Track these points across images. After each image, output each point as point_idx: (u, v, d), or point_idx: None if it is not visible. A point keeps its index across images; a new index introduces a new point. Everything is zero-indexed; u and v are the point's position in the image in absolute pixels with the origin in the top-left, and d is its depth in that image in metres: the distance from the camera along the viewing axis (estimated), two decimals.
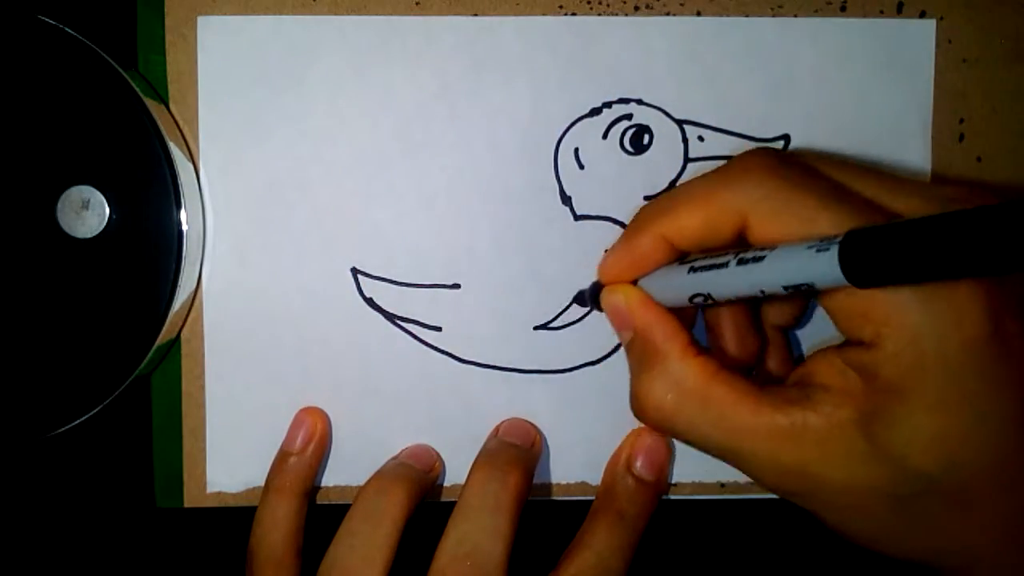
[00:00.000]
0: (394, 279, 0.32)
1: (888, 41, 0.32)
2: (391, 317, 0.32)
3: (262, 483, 0.32)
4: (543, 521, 0.32)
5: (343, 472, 0.33)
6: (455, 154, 0.32)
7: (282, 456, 0.32)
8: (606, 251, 0.28)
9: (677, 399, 0.26)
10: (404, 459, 0.32)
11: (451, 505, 0.30)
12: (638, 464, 0.32)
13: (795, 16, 0.32)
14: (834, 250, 0.21)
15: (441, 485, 0.33)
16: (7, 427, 0.30)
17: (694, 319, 0.30)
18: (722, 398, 0.25)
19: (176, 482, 0.33)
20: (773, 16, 0.32)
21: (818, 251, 0.22)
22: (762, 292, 0.24)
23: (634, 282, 0.28)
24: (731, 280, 0.24)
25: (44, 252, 0.30)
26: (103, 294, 0.30)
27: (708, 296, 0.25)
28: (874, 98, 0.32)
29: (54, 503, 0.33)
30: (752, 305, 0.30)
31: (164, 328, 0.30)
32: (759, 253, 0.23)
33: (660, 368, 0.26)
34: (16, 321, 0.30)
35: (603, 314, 0.29)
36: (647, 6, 0.32)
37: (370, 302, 0.32)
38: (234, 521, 0.32)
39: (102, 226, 0.30)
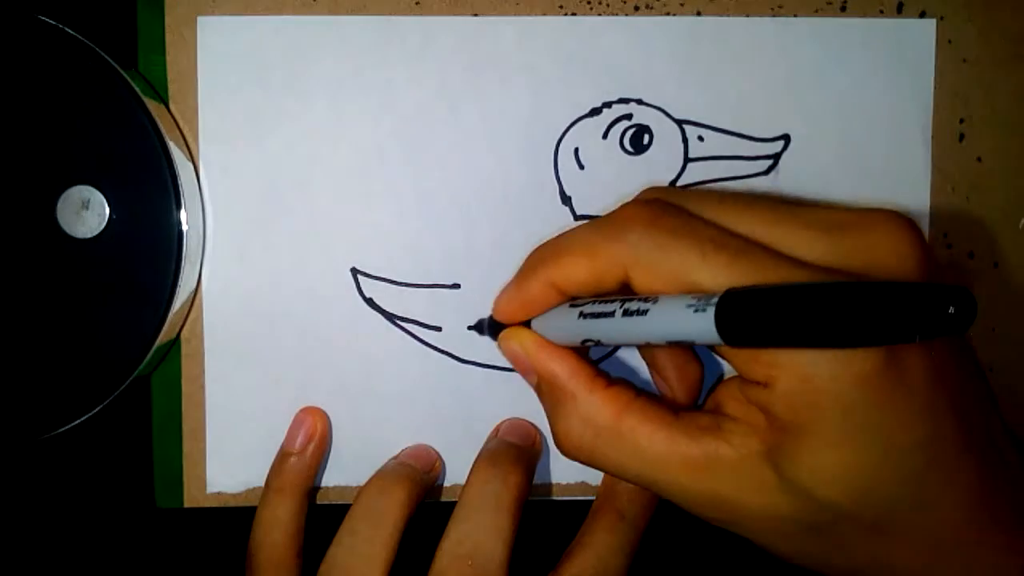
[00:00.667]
0: (394, 279, 0.32)
1: (888, 41, 0.32)
2: (391, 317, 0.32)
3: (262, 483, 0.32)
4: (543, 521, 0.32)
5: (343, 472, 0.33)
6: (455, 154, 0.32)
7: (282, 456, 0.32)
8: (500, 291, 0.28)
9: (593, 434, 0.26)
10: (404, 459, 0.32)
11: (451, 505, 0.30)
12: None
13: (795, 16, 0.32)
14: (711, 312, 0.21)
15: (441, 485, 0.33)
16: (7, 427, 0.30)
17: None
18: (635, 428, 0.25)
19: (176, 482, 0.33)
20: (773, 16, 0.32)
21: (695, 311, 0.22)
22: (647, 343, 0.24)
23: (528, 323, 0.28)
24: (618, 330, 0.24)
25: (44, 252, 0.30)
26: (103, 294, 0.30)
27: (598, 342, 0.25)
28: (874, 98, 0.32)
29: (54, 503, 0.33)
30: None
31: (164, 328, 0.30)
32: (643, 305, 0.24)
33: (572, 406, 0.26)
34: (16, 321, 0.30)
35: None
36: (647, 6, 0.32)
37: (370, 302, 0.32)
38: (234, 521, 0.32)
39: (102, 226, 0.30)
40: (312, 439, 0.32)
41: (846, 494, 0.23)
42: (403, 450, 0.33)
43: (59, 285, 0.30)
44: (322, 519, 0.32)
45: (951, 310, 0.18)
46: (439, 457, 0.33)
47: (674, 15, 0.32)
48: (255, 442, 0.32)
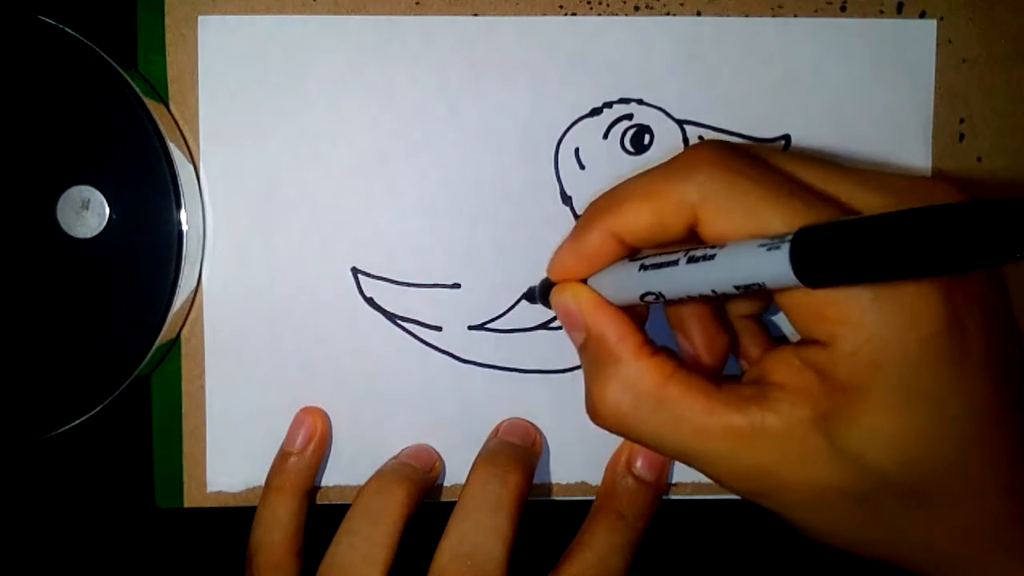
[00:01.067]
0: (394, 279, 0.32)
1: (888, 41, 0.32)
2: (391, 317, 0.32)
3: (262, 483, 0.32)
4: (543, 521, 0.32)
5: (343, 472, 0.33)
6: (455, 154, 0.32)
7: (282, 456, 0.32)
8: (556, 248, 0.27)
9: (632, 401, 0.25)
10: (404, 459, 0.32)
11: (451, 505, 0.30)
12: (638, 464, 0.32)
13: (795, 16, 0.32)
14: (785, 249, 0.20)
15: (441, 485, 0.33)
16: (7, 427, 0.30)
17: (646, 315, 0.29)
18: (678, 399, 0.24)
19: (176, 482, 0.33)
20: (773, 16, 0.32)
21: (769, 250, 0.21)
22: (713, 292, 0.23)
23: (584, 280, 0.27)
24: (682, 279, 0.23)
25: (44, 252, 0.30)
26: (103, 294, 0.30)
27: (660, 295, 0.25)
28: (874, 98, 0.32)
29: (54, 503, 0.33)
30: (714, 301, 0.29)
31: (164, 328, 0.30)
32: (709, 251, 0.23)
33: (614, 370, 0.25)
34: (16, 321, 0.30)
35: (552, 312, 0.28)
36: (647, 6, 0.32)
37: (370, 302, 0.32)
38: (234, 521, 0.32)
39: (102, 226, 0.30)
40: (312, 439, 0.32)
41: (897, 461, 0.22)
42: (403, 450, 0.33)
43: (59, 285, 0.30)
44: (322, 519, 0.32)
45: None
46: (439, 457, 0.33)
47: (674, 15, 0.32)
48: (255, 442, 0.32)
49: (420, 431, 0.33)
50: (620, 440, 0.32)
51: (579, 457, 0.33)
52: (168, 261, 0.30)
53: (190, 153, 0.32)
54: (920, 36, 0.32)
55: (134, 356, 0.30)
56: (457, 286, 0.32)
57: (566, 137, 0.32)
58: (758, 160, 0.24)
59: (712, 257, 0.22)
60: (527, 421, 0.33)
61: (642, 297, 0.25)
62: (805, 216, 0.22)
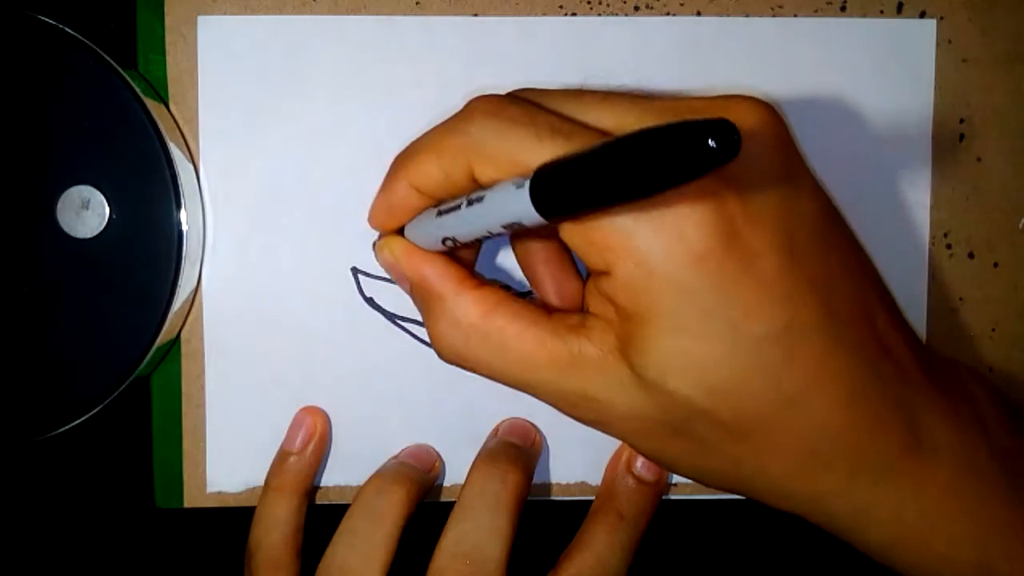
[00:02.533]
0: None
1: (888, 41, 0.32)
2: (391, 317, 0.32)
3: (262, 483, 0.32)
4: (543, 521, 0.32)
5: (343, 472, 0.33)
6: None
7: (282, 456, 0.32)
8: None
9: (463, 336, 0.25)
10: (404, 459, 0.32)
11: (451, 505, 0.30)
12: (638, 464, 0.32)
13: (795, 16, 0.32)
14: (525, 187, 0.21)
15: (441, 485, 0.33)
16: (7, 427, 0.30)
17: (471, 260, 0.29)
18: (502, 328, 0.25)
19: (176, 482, 0.33)
20: (773, 16, 0.32)
21: (518, 188, 0.22)
22: (489, 232, 0.24)
23: (401, 232, 0.28)
24: (464, 221, 0.24)
25: (44, 252, 0.30)
26: (103, 294, 0.30)
27: (454, 239, 0.25)
28: (874, 98, 0.32)
29: (54, 503, 0.33)
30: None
31: (164, 328, 0.30)
32: (481, 194, 0.24)
33: (440, 308, 0.26)
34: (16, 321, 0.30)
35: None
36: (647, 6, 0.32)
37: (370, 302, 0.32)
38: (234, 521, 0.32)
39: (102, 226, 0.30)
40: (312, 439, 0.32)
41: (696, 386, 0.22)
42: (403, 450, 0.33)
43: (59, 285, 0.30)
44: (322, 519, 0.32)
45: (711, 143, 0.17)
46: (439, 457, 0.33)
47: (674, 15, 0.32)
48: (255, 442, 0.32)
49: (420, 431, 0.33)
50: (620, 440, 0.32)
51: (579, 457, 0.33)
52: (168, 261, 0.30)
53: (190, 153, 0.32)
54: (920, 36, 0.32)
55: (134, 356, 0.30)
56: None
57: None
58: (530, 105, 0.24)
59: (482, 199, 0.23)
60: (527, 421, 0.33)
61: (443, 242, 0.26)
62: (563, 151, 0.22)
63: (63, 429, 0.30)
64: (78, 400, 0.30)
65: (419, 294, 0.27)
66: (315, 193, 0.32)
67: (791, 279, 0.22)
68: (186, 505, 0.33)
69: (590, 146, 0.20)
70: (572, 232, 0.23)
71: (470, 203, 0.24)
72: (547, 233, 0.27)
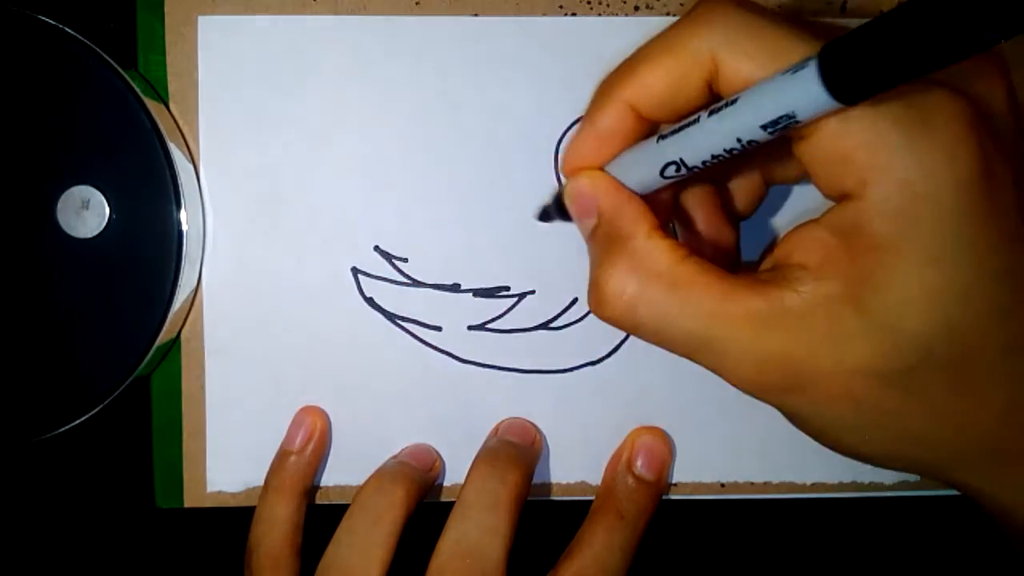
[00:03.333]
0: (394, 279, 0.32)
1: None
2: (391, 317, 0.32)
3: (262, 483, 0.32)
4: (543, 521, 0.32)
5: (343, 472, 0.33)
6: (455, 154, 0.32)
7: (282, 455, 0.32)
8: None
9: (642, 281, 0.23)
10: (404, 458, 0.32)
11: (451, 504, 0.30)
12: (638, 464, 0.32)
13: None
14: (813, 66, 0.19)
15: (441, 484, 0.33)
16: (7, 427, 0.30)
17: (669, 213, 0.27)
18: (692, 280, 0.23)
19: (176, 482, 0.33)
20: None
21: (795, 73, 0.20)
22: (739, 140, 0.21)
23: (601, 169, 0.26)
24: (704, 135, 0.22)
25: (44, 252, 0.30)
26: (103, 294, 0.30)
27: (681, 164, 0.23)
28: None
29: (54, 503, 0.33)
30: (724, 177, 0.28)
31: (164, 328, 0.30)
32: (731, 99, 0.21)
33: (624, 249, 0.23)
34: (16, 321, 0.30)
35: (571, 223, 0.26)
36: (647, 6, 0.32)
37: (370, 302, 0.32)
38: (234, 521, 0.32)
39: (102, 226, 0.30)
40: (312, 439, 0.32)
41: (934, 325, 0.21)
42: (403, 449, 0.33)
43: (59, 285, 0.30)
44: (322, 519, 0.32)
45: None
46: (439, 457, 0.33)
47: (674, 15, 0.32)
48: (255, 442, 0.32)
49: (420, 431, 0.33)
50: (620, 440, 0.33)
51: (579, 457, 0.33)
52: (168, 261, 0.30)
53: (190, 153, 0.32)
54: None
55: (134, 356, 0.30)
56: (457, 286, 0.32)
57: (566, 137, 0.32)
58: (766, 10, 0.23)
59: (735, 102, 0.21)
60: (527, 420, 0.33)
61: (662, 172, 0.23)
62: (819, 44, 0.20)
63: (63, 429, 0.30)
64: (78, 400, 0.30)
65: (605, 232, 0.24)
66: (315, 193, 0.32)
67: (1021, 219, 0.21)
68: (186, 505, 0.33)
69: (888, 11, 0.18)
70: (823, 148, 0.21)
71: (715, 111, 0.21)
72: (711, 175, 0.25)
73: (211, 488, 0.33)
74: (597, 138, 0.24)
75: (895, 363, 0.21)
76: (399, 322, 0.32)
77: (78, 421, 0.30)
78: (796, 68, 0.20)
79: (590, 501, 0.32)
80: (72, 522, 0.34)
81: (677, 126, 0.23)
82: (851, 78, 0.19)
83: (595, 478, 0.33)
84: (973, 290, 0.21)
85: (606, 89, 0.24)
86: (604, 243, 0.24)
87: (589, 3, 0.32)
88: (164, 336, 0.31)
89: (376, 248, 0.32)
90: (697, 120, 0.22)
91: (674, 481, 0.33)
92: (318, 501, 0.33)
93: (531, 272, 0.32)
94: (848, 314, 0.21)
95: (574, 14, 0.32)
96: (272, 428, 0.32)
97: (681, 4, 0.32)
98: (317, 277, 0.32)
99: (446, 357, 0.33)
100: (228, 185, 0.32)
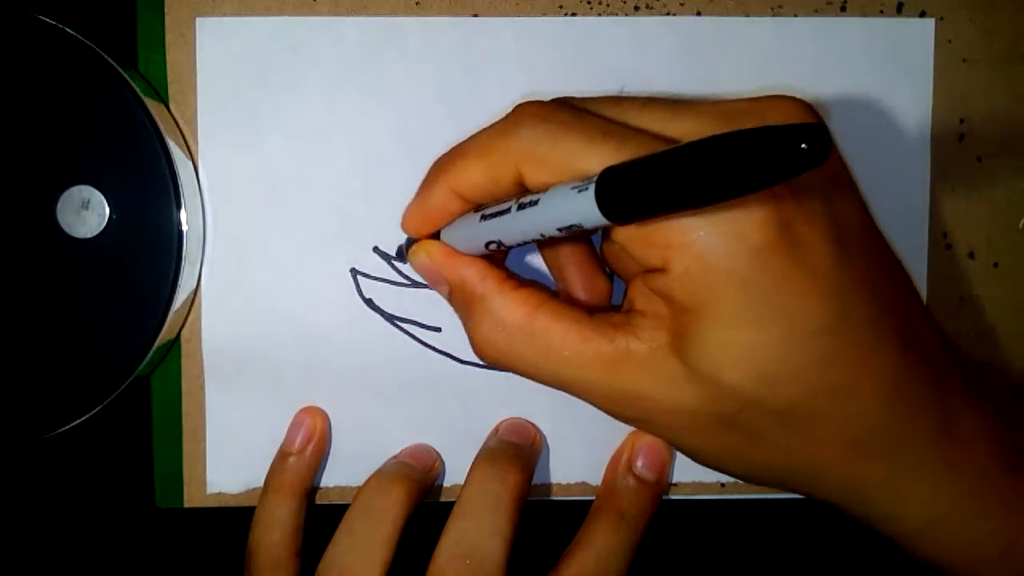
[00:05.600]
0: (394, 279, 0.32)
1: (888, 41, 0.32)
2: (391, 317, 0.32)
3: (262, 483, 0.32)
4: (543, 521, 0.32)
5: (343, 472, 0.33)
6: None
7: (282, 456, 0.32)
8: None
9: (505, 335, 0.25)
10: (404, 458, 0.32)
11: (451, 505, 0.30)
12: (639, 464, 0.32)
13: (795, 16, 0.32)
14: (591, 189, 0.21)
15: (441, 485, 0.33)
16: (7, 427, 0.30)
17: (501, 259, 0.30)
18: (547, 328, 0.25)
19: (176, 482, 0.33)
20: (773, 16, 0.32)
21: (579, 192, 0.22)
22: (542, 235, 0.24)
23: (437, 235, 0.28)
24: (515, 225, 0.24)
25: (44, 252, 0.30)
26: (103, 294, 0.30)
27: (499, 243, 0.25)
28: (874, 98, 0.32)
29: (54, 503, 0.33)
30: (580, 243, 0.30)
31: (164, 328, 0.30)
32: (534, 198, 0.24)
33: (482, 308, 0.26)
34: (16, 321, 0.30)
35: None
36: (647, 6, 0.32)
37: (370, 302, 0.32)
38: (234, 521, 0.32)
39: (102, 226, 0.30)
40: (311, 439, 0.32)
41: (751, 377, 0.23)
42: (403, 450, 0.33)
43: (59, 285, 0.30)
44: (322, 519, 0.32)
45: (803, 146, 0.17)
46: (439, 457, 0.33)
47: (674, 15, 0.32)
48: (255, 442, 0.32)
49: (419, 431, 0.33)
50: (619, 440, 0.33)
51: (579, 457, 0.33)
52: (168, 261, 0.30)
53: (190, 153, 0.32)
54: (920, 36, 0.32)
55: (134, 356, 0.30)
56: None
57: None
58: (578, 110, 0.25)
59: (536, 203, 0.24)
60: (527, 421, 0.33)
61: (486, 246, 0.26)
62: (616, 156, 0.22)
63: (63, 429, 0.30)
64: (78, 400, 0.30)
65: (459, 297, 0.27)
66: (315, 193, 0.32)
67: (842, 272, 0.23)
68: (186, 505, 0.33)
69: (662, 150, 0.20)
70: (628, 232, 0.23)
71: (521, 207, 0.24)
72: (579, 236, 0.28)
73: (211, 488, 0.33)
74: (427, 212, 0.27)
75: (719, 407, 0.24)
76: (398, 323, 0.32)
77: (78, 421, 0.30)
78: (580, 187, 0.22)
79: (589, 501, 0.32)
80: (72, 522, 0.34)
81: (495, 209, 0.25)
82: (622, 206, 0.21)
83: (594, 478, 0.33)
84: (784, 346, 0.23)
85: (435, 173, 0.27)
86: (463, 305, 0.27)
87: (589, 3, 0.32)
88: (164, 336, 0.31)
89: (375, 249, 0.32)
90: (509, 211, 0.25)
91: (674, 481, 0.33)
92: (318, 502, 0.33)
93: (530, 272, 0.32)
94: (675, 362, 0.23)
95: (574, 14, 0.32)
96: (272, 428, 0.32)
97: (681, 4, 0.32)
98: (316, 278, 0.32)
99: (446, 358, 0.33)
100: (228, 185, 0.32)
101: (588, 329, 0.25)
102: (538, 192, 0.24)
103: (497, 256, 0.28)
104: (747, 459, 0.25)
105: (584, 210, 0.22)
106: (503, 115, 0.25)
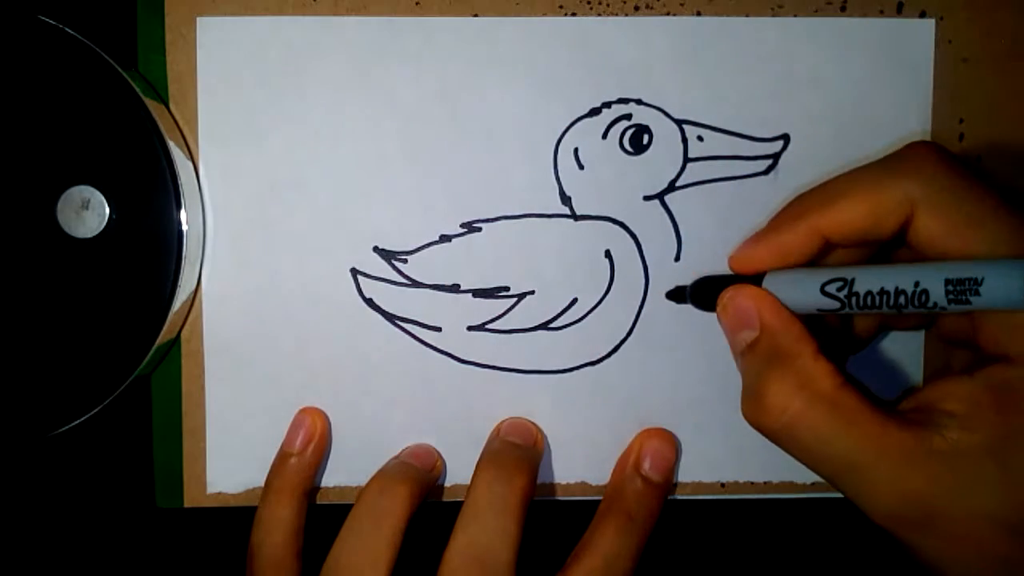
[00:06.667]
0: (393, 280, 0.32)
1: (888, 41, 0.32)
2: (391, 317, 0.32)
3: (262, 483, 0.32)
4: (543, 521, 0.32)
5: (343, 472, 0.33)
6: (455, 154, 0.32)
7: (282, 456, 0.32)
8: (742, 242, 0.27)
9: (806, 401, 0.24)
10: (406, 458, 0.32)
11: (453, 505, 0.30)
12: (646, 465, 0.32)
13: (795, 16, 0.32)
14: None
15: (442, 485, 0.33)
16: (7, 427, 0.30)
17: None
18: (853, 406, 0.24)
19: (176, 482, 0.33)
20: (773, 16, 0.32)
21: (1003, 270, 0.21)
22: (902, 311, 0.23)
23: (759, 282, 0.27)
24: (890, 276, 0.23)
25: (44, 252, 0.30)
26: (103, 294, 0.30)
27: (843, 301, 0.24)
28: (874, 98, 0.32)
29: (54, 503, 0.33)
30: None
31: (164, 328, 0.30)
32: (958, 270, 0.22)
33: (791, 367, 0.25)
34: (16, 321, 0.30)
35: (705, 313, 0.28)
36: (647, 6, 0.32)
37: (370, 302, 0.32)
38: (234, 521, 0.32)
39: (102, 226, 0.30)
40: (312, 439, 0.32)
41: None
42: (404, 449, 0.33)
43: (59, 285, 0.30)
44: (322, 519, 0.32)
45: None
46: (440, 457, 0.33)
47: (674, 15, 0.32)
48: (255, 442, 0.32)
49: (420, 431, 0.33)
50: (620, 440, 0.33)
51: (579, 457, 0.33)
52: (168, 261, 0.30)
53: (190, 153, 0.32)
54: (919, 36, 0.32)
55: (134, 356, 0.30)
56: (457, 286, 0.32)
57: (565, 137, 0.32)
58: (968, 169, 0.24)
59: (973, 298, 0.22)
60: (528, 420, 0.33)
61: (823, 289, 0.25)
62: (1010, 242, 0.22)
63: (64, 429, 0.30)
64: (79, 400, 0.30)
65: (767, 347, 0.26)
66: (315, 193, 0.32)
67: None
68: (186, 505, 0.33)
69: None
70: (999, 314, 0.23)
71: (917, 301, 0.23)
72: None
73: (211, 488, 0.33)
74: (777, 250, 0.26)
75: (1018, 515, 0.23)
76: (399, 323, 0.32)
77: (78, 421, 0.30)
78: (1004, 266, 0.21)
79: (591, 501, 0.32)
80: (72, 522, 0.34)
81: (832, 276, 0.24)
82: None
83: (596, 478, 0.33)
84: None
85: (800, 210, 0.25)
86: (766, 357, 0.25)
87: (589, 3, 0.32)
88: (164, 336, 0.31)
89: (375, 248, 0.32)
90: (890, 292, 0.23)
91: (675, 481, 0.33)
92: (319, 502, 0.33)
93: (530, 272, 0.32)
94: (989, 464, 0.23)
95: (574, 14, 0.32)
96: (272, 428, 0.32)
97: (681, 4, 0.32)
98: (317, 277, 0.32)
99: (446, 358, 0.33)
100: (228, 185, 0.32)
101: (890, 419, 0.24)
102: (919, 245, 0.23)
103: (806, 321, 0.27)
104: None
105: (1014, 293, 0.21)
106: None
